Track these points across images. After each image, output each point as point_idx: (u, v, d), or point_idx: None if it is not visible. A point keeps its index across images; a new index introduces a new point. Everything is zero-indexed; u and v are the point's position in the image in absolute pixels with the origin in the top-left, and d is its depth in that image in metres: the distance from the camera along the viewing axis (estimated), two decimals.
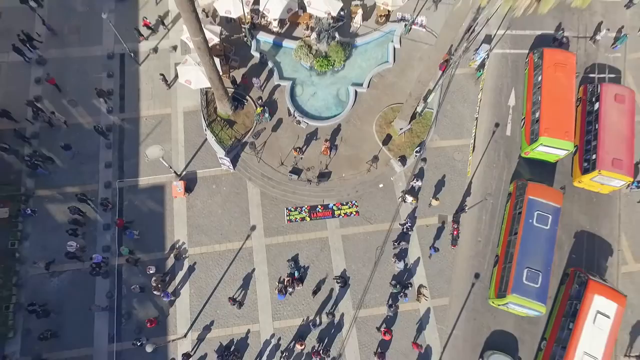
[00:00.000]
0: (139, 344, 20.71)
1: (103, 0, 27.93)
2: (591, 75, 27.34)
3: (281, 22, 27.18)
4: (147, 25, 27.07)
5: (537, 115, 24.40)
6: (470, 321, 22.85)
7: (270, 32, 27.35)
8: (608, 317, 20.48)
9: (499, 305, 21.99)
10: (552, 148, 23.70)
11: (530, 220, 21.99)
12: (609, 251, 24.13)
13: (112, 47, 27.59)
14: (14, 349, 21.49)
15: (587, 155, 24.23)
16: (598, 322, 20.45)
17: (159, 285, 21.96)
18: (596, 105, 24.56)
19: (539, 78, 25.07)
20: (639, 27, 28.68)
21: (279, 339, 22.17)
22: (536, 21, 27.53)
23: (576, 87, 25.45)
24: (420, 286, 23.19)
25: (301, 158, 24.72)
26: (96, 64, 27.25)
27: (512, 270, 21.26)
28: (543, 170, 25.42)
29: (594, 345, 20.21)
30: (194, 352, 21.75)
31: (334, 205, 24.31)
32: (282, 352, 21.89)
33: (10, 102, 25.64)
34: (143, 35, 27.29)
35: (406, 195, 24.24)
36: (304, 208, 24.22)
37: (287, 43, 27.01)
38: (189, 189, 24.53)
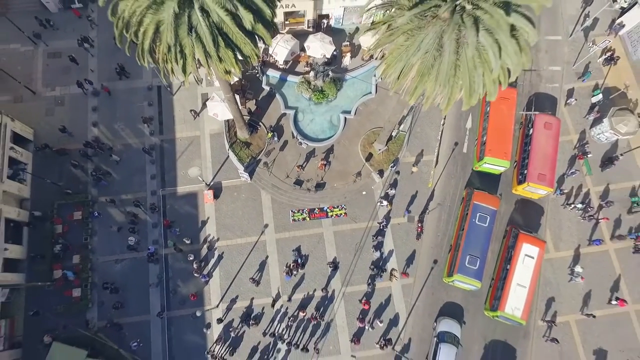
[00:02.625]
0: (160, 317, 29.43)
1: None
2: (526, 113, 34.59)
3: (286, 60, 34.54)
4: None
5: (484, 138, 32.11)
6: (429, 295, 31.10)
7: (278, 68, 34.76)
8: (532, 257, 28.75)
9: (449, 282, 30.22)
10: (494, 165, 31.51)
11: (474, 220, 29.95)
12: None
13: (151, 80, 35.06)
14: (92, 316, 29.76)
15: (522, 170, 32.06)
16: (526, 262, 28.71)
17: (198, 269, 30.18)
18: (531, 131, 32.25)
19: (488, 109, 32.71)
20: (573, 62, 36.10)
21: (287, 308, 30.46)
22: None
23: (516, 116, 32.97)
24: (392, 269, 31.36)
25: (302, 172, 32.57)
26: (139, 94, 34.79)
27: (459, 256, 29.37)
28: (490, 180, 33.24)
29: (523, 278, 28.52)
30: (224, 318, 30.05)
31: (328, 208, 32.27)
32: (289, 318, 30.22)
33: (74, 127, 33.36)
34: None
35: (383, 201, 32.21)
36: (304, 210, 32.18)
37: (291, 78, 34.46)
38: (216, 196, 32.41)
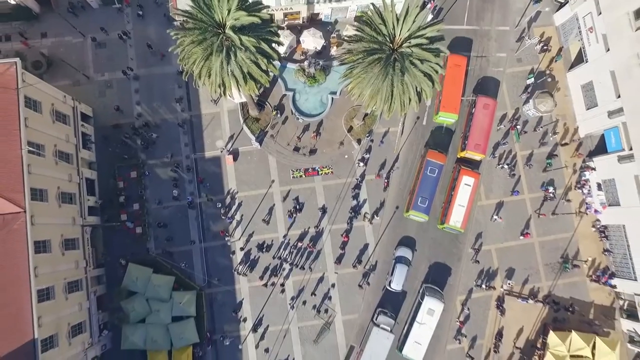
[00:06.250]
0: (192, 244, 42.59)
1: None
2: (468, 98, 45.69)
3: (285, 52, 44.96)
4: None
5: (440, 97, 43.43)
6: (392, 230, 44.32)
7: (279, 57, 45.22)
8: (470, 185, 41.40)
9: (406, 216, 43.12)
10: (447, 118, 43.19)
11: (426, 172, 42.38)
12: None
13: (178, 65, 45.59)
14: (151, 246, 43.18)
15: (464, 140, 43.95)
16: (464, 188, 41.41)
17: (224, 213, 43.16)
18: (473, 110, 43.67)
19: (444, 74, 43.46)
20: (516, 49, 46.55)
21: (289, 239, 43.85)
22: (458, 43, 45.07)
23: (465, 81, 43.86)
24: (365, 213, 44.38)
25: (299, 141, 44.50)
26: (170, 78, 45.64)
27: (413, 198, 42.15)
28: (444, 145, 45.25)
29: (463, 200, 41.35)
30: (245, 247, 43.52)
31: (319, 168, 44.52)
32: (290, 247, 43.70)
33: (122, 105, 44.67)
34: None
35: (360, 162, 44.46)
36: (301, 170, 44.47)
37: (290, 65, 45.17)
38: (235, 159, 44.53)
